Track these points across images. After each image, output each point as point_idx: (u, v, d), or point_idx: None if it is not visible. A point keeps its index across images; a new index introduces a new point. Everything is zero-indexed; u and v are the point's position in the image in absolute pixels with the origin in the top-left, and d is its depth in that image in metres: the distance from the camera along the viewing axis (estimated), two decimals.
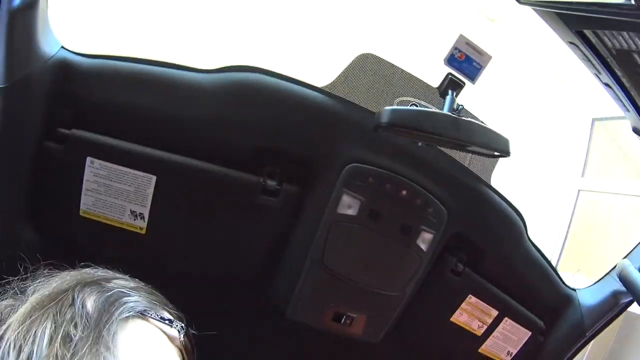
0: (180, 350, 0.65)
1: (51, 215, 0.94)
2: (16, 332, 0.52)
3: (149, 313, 0.63)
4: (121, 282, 0.66)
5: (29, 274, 0.67)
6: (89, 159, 0.90)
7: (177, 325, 0.65)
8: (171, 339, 0.64)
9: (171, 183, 0.92)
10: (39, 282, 0.63)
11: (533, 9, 0.89)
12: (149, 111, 0.89)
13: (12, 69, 0.76)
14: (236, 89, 0.90)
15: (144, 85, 0.89)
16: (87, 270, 0.68)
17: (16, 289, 0.64)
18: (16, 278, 0.66)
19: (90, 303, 0.58)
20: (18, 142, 0.84)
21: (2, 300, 0.61)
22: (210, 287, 1.05)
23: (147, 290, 0.68)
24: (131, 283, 0.67)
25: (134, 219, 0.95)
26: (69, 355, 0.49)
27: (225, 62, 0.94)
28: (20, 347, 0.50)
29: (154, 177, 0.91)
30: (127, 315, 0.59)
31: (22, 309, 0.55)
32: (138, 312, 0.62)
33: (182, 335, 0.65)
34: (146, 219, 0.94)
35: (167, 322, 0.64)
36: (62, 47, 0.87)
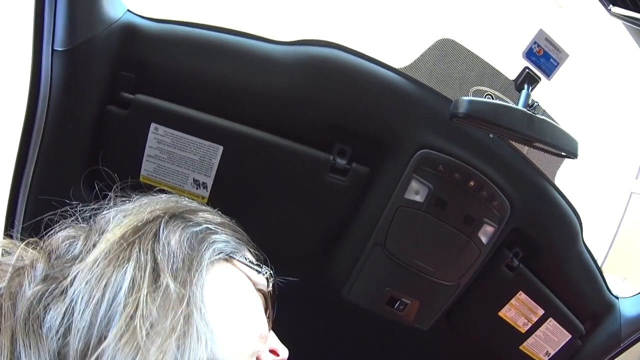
0: (264, 296, 0.61)
1: (110, 179, 0.93)
2: (90, 275, 0.44)
3: (236, 255, 0.59)
4: (208, 216, 0.61)
5: (100, 202, 0.59)
6: (153, 125, 0.88)
7: (265, 272, 0.61)
8: (255, 284, 0.60)
9: (237, 154, 0.90)
10: (116, 209, 0.56)
11: (623, 23, 0.87)
12: (219, 80, 0.87)
13: (75, 32, 0.74)
14: (312, 63, 0.87)
15: (214, 53, 0.86)
16: (170, 197, 0.62)
17: (78, 215, 0.57)
18: (80, 205, 0.58)
19: (176, 240, 0.52)
20: (80, 105, 0.82)
21: (62, 229, 0.54)
22: (266, 261, 1.04)
23: (232, 227, 0.65)
24: (217, 218, 0.63)
25: (196, 188, 0.94)
26: (155, 312, 0.43)
27: (299, 35, 0.92)
28: (92, 294, 0.43)
29: (221, 147, 0.90)
30: (216, 258, 0.55)
31: (102, 244, 0.48)
32: (227, 254, 0.57)
33: (270, 284, 0.61)
34: (209, 189, 0.93)
35: (255, 267, 0.60)
36: (129, 10, 0.85)
